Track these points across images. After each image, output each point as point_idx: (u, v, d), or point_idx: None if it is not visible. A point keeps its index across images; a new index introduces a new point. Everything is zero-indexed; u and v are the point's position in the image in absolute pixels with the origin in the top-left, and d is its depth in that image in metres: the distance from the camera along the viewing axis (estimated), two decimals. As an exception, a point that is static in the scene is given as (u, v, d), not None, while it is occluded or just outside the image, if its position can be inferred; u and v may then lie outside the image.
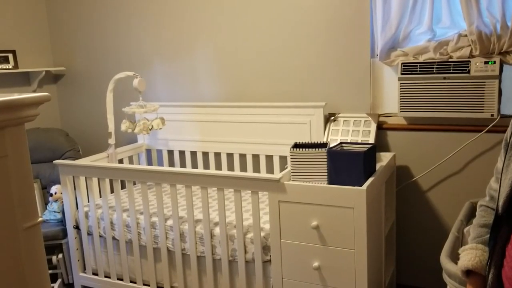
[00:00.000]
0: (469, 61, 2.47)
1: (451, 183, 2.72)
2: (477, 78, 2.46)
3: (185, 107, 3.29)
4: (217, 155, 3.30)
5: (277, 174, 2.32)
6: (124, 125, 3.04)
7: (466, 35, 2.48)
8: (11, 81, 3.63)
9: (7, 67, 3.47)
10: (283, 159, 3.03)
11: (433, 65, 2.56)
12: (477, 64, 2.46)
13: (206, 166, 3.35)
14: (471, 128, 2.60)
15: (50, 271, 3.06)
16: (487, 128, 2.54)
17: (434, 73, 2.56)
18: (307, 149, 2.32)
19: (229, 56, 3.18)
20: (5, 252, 1.15)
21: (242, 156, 3.21)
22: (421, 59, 2.61)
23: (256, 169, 3.17)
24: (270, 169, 3.12)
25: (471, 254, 1.30)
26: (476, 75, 2.46)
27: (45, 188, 3.39)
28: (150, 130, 3.06)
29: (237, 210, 2.41)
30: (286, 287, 2.37)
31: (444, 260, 1.83)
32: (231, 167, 3.27)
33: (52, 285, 3.12)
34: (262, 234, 2.40)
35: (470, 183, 2.67)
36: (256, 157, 3.16)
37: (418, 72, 2.60)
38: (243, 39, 3.11)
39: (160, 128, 3.14)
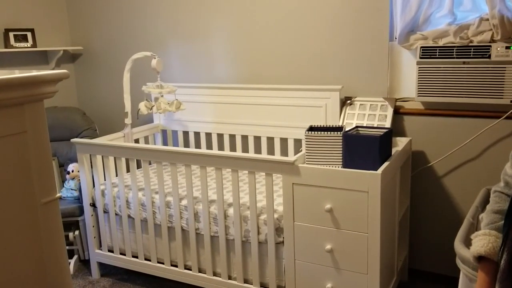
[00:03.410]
0: (490, 46, 2.43)
1: (467, 169, 2.69)
2: (498, 63, 2.42)
3: (201, 88, 3.29)
4: (232, 137, 3.31)
5: (291, 157, 2.32)
6: (157, 105, 3.03)
7: (487, 19, 2.43)
8: (30, 60, 3.66)
9: (26, 45, 3.49)
10: (297, 142, 3.03)
11: (453, 49, 2.52)
12: (498, 49, 2.41)
13: (221, 147, 3.37)
14: (490, 114, 2.56)
15: (67, 247, 3.12)
16: (506, 115, 2.50)
17: (453, 58, 2.52)
18: (322, 132, 2.31)
19: (245, 38, 3.16)
20: (24, 226, 1.18)
21: (257, 139, 3.21)
22: (441, 43, 2.57)
23: (271, 151, 3.17)
24: (284, 152, 3.12)
25: (484, 240, 1.30)
26: (496, 60, 2.42)
27: (62, 166, 3.44)
28: (178, 108, 3.10)
29: (251, 191, 2.42)
30: (298, 269, 2.39)
31: (458, 245, 1.83)
32: (245, 149, 3.28)
33: (69, 261, 3.19)
34: (275, 216, 2.42)
35: (487, 169, 2.64)
36: (270, 140, 3.16)
37: (437, 56, 2.56)
38: (259, 21, 3.09)
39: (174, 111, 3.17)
